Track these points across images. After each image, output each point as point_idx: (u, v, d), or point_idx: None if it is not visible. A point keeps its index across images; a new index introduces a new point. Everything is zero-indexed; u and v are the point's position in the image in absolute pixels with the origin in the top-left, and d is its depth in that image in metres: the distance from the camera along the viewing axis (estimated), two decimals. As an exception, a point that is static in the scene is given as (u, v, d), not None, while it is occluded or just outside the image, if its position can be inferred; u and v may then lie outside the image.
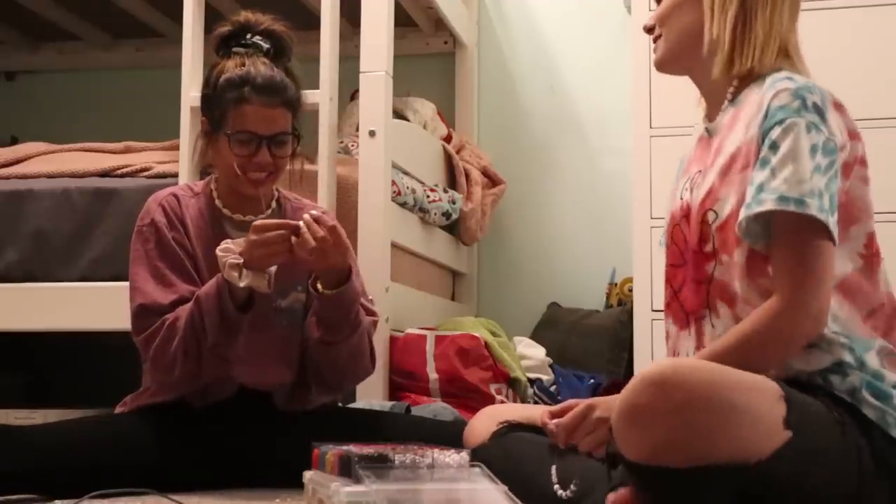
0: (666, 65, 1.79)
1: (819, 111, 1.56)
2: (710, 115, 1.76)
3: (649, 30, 1.80)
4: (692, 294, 1.68)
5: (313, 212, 2.05)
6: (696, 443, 1.35)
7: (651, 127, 3.07)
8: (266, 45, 2.23)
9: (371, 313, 2.25)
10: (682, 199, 1.75)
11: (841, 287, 1.58)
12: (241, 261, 2.01)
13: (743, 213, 1.55)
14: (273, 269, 2.06)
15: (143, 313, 2.11)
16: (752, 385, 1.43)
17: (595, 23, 3.82)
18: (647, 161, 3.07)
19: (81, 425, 2.21)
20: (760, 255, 1.58)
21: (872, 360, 1.55)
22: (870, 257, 1.61)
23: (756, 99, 1.64)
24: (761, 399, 1.41)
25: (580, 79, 3.86)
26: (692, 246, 1.68)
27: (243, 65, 2.19)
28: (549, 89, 3.89)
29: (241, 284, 2.01)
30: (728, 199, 1.61)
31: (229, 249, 2.03)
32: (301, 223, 2.02)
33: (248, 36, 2.23)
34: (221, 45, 2.25)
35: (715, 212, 1.63)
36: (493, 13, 3.98)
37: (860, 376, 1.52)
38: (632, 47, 3.14)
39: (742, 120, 1.65)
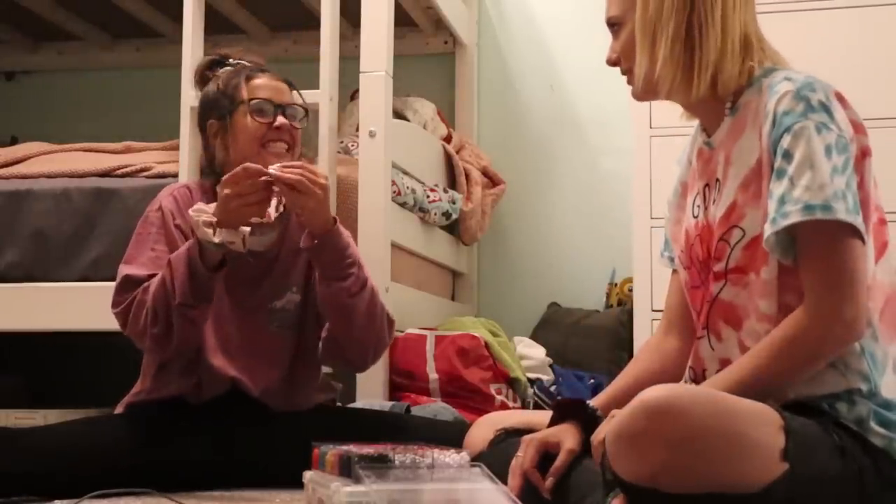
0: (646, 98, 1.73)
1: (825, 108, 1.51)
2: (708, 128, 1.69)
3: (613, 63, 1.73)
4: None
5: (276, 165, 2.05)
6: (692, 472, 1.35)
7: (651, 127, 3.07)
8: (248, 65, 2.34)
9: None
10: (695, 217, 1.68)
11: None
12: (215, 220, 2.02)
13: (769, 229, 1.50)
14: (247, 229, 2.06)
15: (125, 284, 2.14)
16: (753, 415, 1.41)
17: (595, 23, 3.75)
18: (647, 161, 3.07)
19: (81, 426, 2.22)
20: (791, 271, 1.52)
21: (886, 386, 1.51)
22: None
23: (757, 104, 1.59)
24: (761, 430, 1.39)
25: (580, 79, 3.86)
26: (701, 264, 1.64)
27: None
28: (549, 89, 3.89)
29: (216, 241, 2.01)
30: (754, 216, 1.55)
31: (202, 210, 2.05)
32: (272, 169, 2.03)
33: (231, 60, 2.36)
34: (204, 72, 2.37)
35: (742, 229, 1.57)
36: (493, 13, 3.98)
37: (868, 406, 1.48)
38: (632, 47, 3.14)
39: (748, 126, 1.60)
